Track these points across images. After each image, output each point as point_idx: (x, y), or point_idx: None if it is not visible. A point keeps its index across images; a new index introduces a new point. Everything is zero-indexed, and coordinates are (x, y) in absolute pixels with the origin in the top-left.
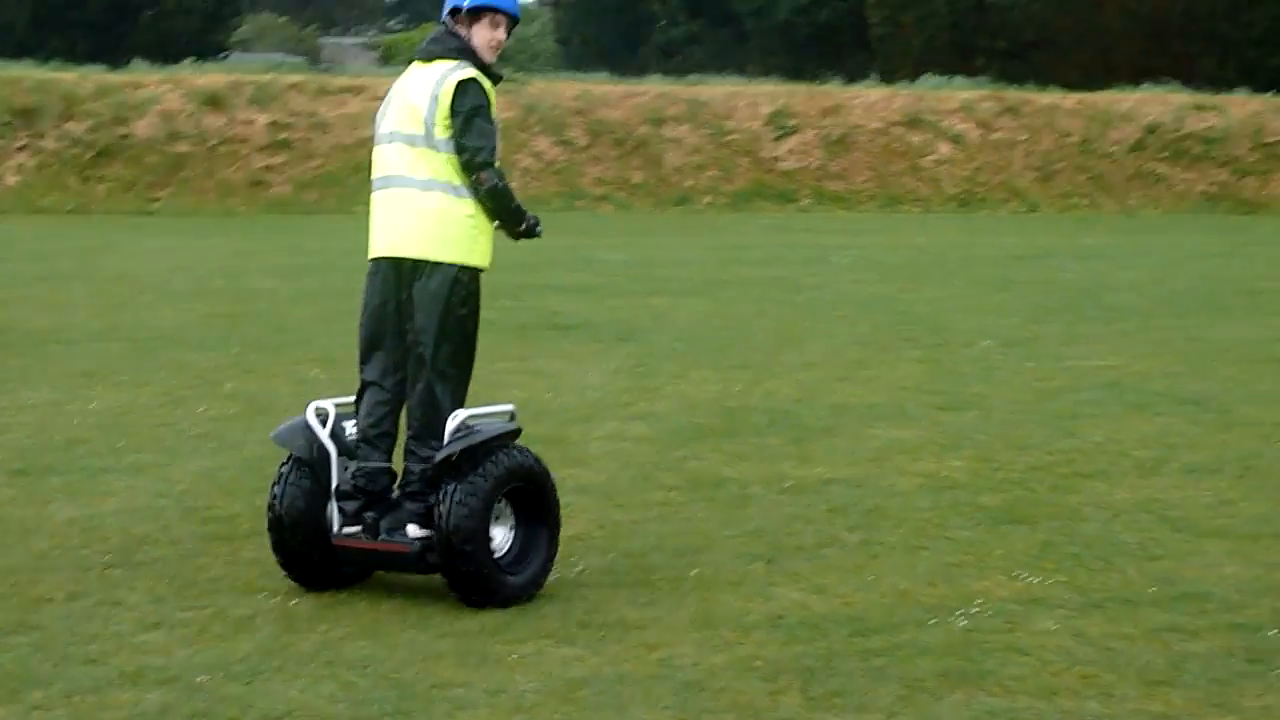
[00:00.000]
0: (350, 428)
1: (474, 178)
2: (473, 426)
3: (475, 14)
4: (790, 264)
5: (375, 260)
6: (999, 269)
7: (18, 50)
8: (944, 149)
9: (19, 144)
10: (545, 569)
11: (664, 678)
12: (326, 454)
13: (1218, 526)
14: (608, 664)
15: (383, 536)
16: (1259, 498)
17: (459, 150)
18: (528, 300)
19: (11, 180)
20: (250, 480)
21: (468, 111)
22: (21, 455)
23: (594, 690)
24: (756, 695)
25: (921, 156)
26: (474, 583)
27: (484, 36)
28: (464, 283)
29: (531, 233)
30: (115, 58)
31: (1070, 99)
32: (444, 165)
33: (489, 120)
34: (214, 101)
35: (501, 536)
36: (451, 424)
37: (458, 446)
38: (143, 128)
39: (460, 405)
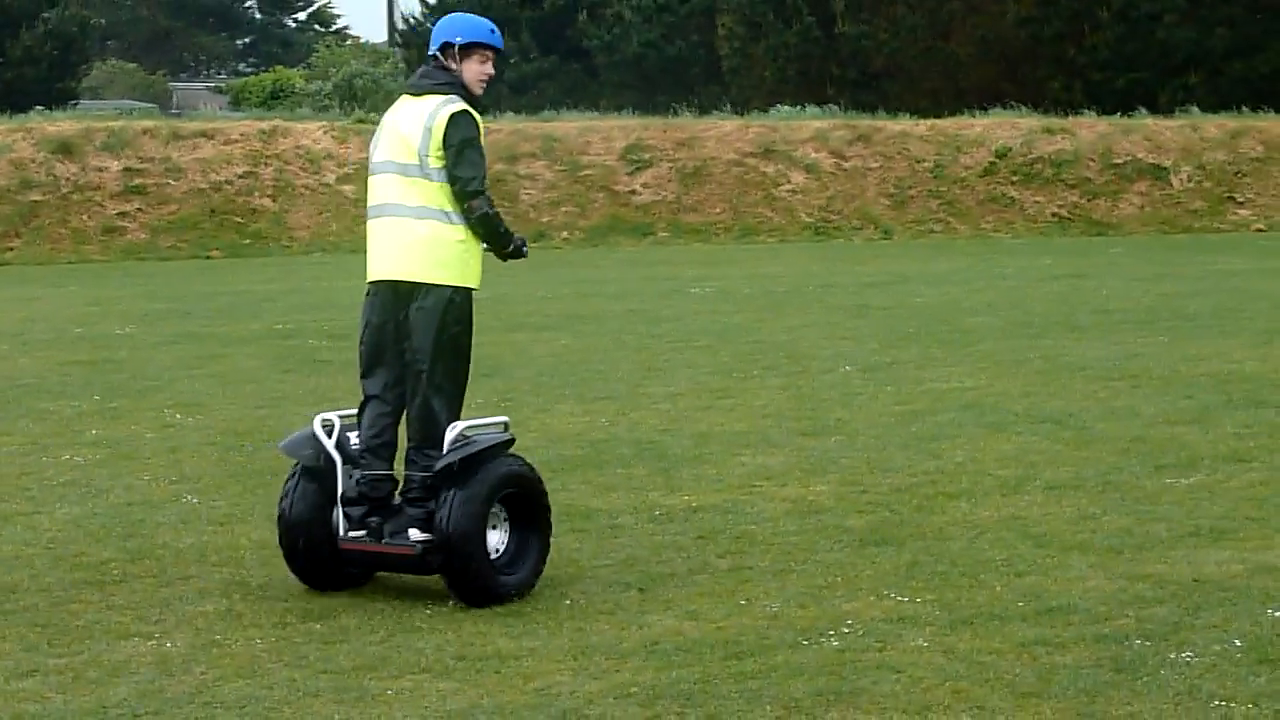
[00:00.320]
0: (353, 438)
1: (466, 205)
2: (470, 437)
3: (467, 50)
4: (648, 297)
5: (374, 283)
6: (855, 296)
7: None
8: (798, 178)
9: None
10: (538, 569)
11: (542, 707)
12: (333, 463)
13: (1080, 541)
14: (486, 695)
15: (387, 540)
16: (1119, 512)
17: (452, 180)
18: None
19: None
20: (119, 526)
21: (459, 144)
22: None
23: None
24: None
25: (776, 186)
26: (472, 583)
27: (474, 71)
28: (457, 303)
29: (519, 253)
30: None
31: (921, 125)
32: (437, 193)
33: (479, 151)
34: (66, 149)
35: (497, 539)
36: (450, 435)
37: (457, 456)
38: None
39: (456, 417)
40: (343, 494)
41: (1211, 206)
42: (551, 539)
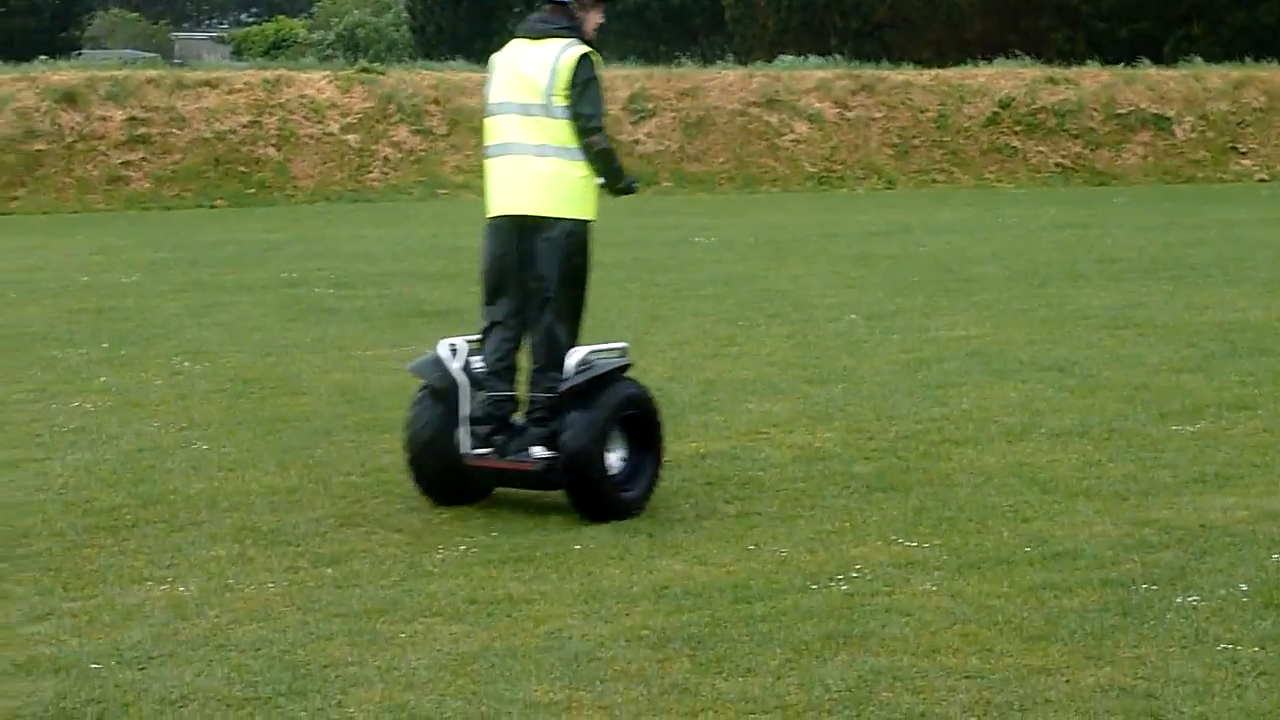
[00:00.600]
0: (475, 361)
1: (587, 140)
2: (592, 362)
3: (597, 2)
4: (654, 246)
5: (497, 217)
6: (859, 245)
7: None
8: (801, 128)
9: None
10: (651, 487)
11: (553, 650)
12: (457, 384)
13: (1086, 487)
14: (497, 638)
15: (510, 457)
16: (1124, 459)
17: (575, 117)
18: (395, 288)
19: None
20: (129, 472)
21: (583, 82)
22: None
23: (485, 664)
24: (646, 663)
25: (779, 136)
26: (592, 498)
27: (594, 21)
28: (578, 235)
29: (629, 189)
30: None
31: (924, 75)
32: (559, 130)
33: (600, 91)
34: (69, 99)
35: (616, 458)
36: (573, 359)
37: (581, 379)
38: None
39: (576, 342)
40: (470, 414)
41: (1214, 156)
42: (662, 460)
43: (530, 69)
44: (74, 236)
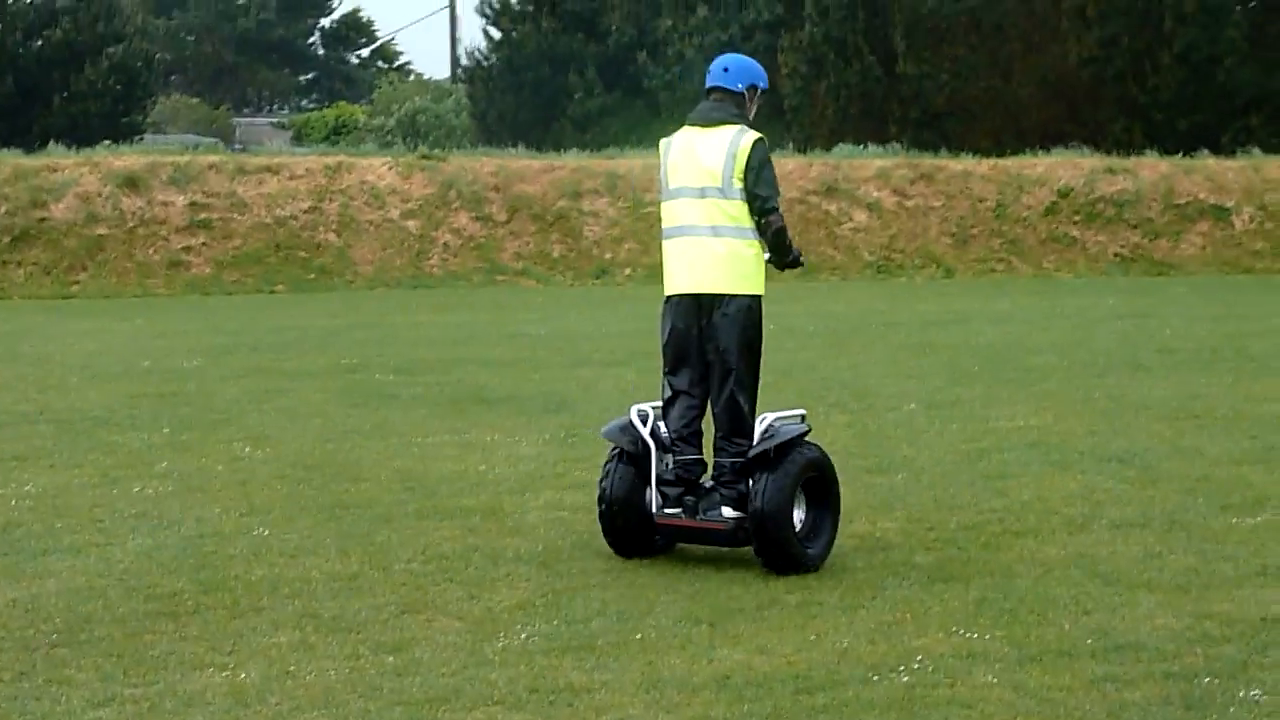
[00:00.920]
0: (662, 427)
1: (764, 220)
2: (777, 428)
3: (756, 91)
4: None
5: (677, 296)
6: (918, 333)
7: None
8: (860, 216)
9: None
10: (830, 543)
11: None
12: (648, 448)
13: (1147, 579)
14: None
15: (701, 516)
16: (1186, 550)
17: (752, 199)
18: (455, 374)
19: None
20: (190, 557)
21: (759, 165)
22: None
23: None
24: None
25: (838, 225)
26: (782, 554)
27: (754, 108)
28: (754, 309)
29: (797, 263)
30: (28, 142)
31: (983, 165)
32: (736, 211)
33: (773, 172)
34: (132, 183)
35: (799, 516)
36: (761, 425)
37: (771, 444)
38: (60, 210)
39: (755, 407)
40: (659, 475)
41: (1274, 247)
42: (839, 518)
43: (707, 155)
44: (135, 320)
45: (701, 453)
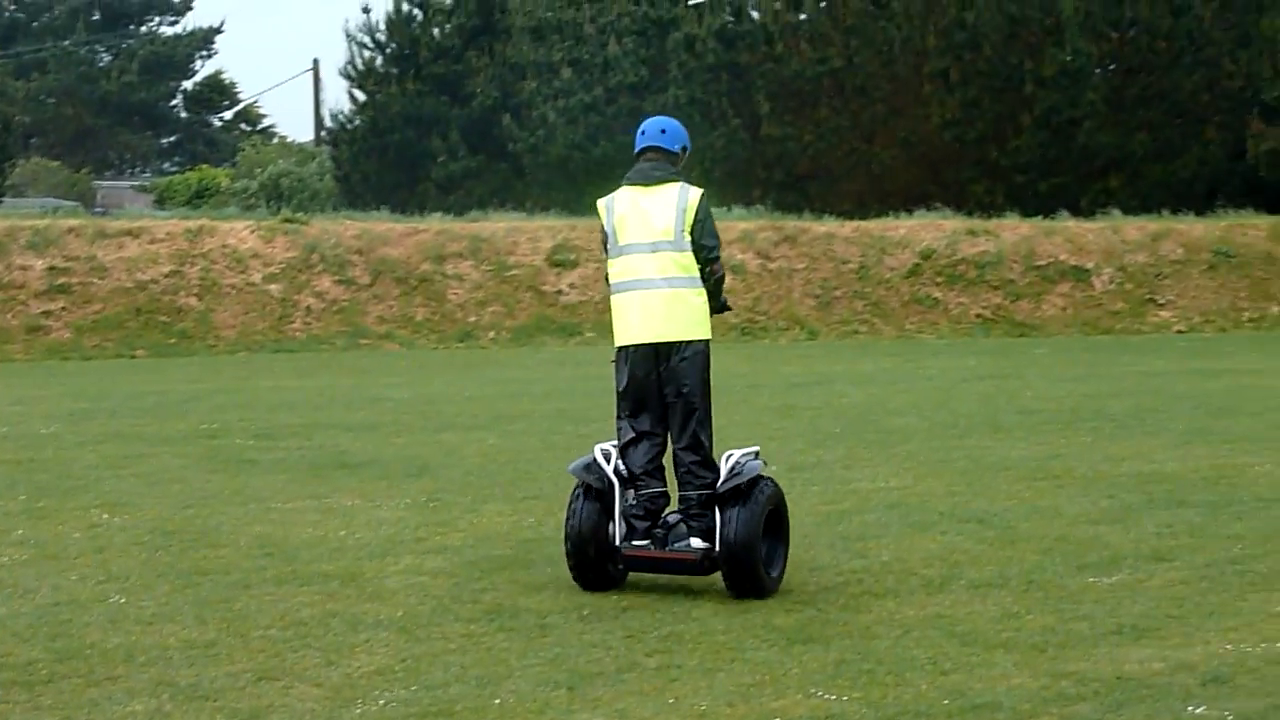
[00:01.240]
0: (622, 466)
1: (711, 268)
2: (743, 464)
3: (685, 152)
4: (576, 396)
5: (634, 346)
6: (781, 396)
7: None
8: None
9: None
10: (783, 569)
11: None
12: (612, 484)
13: (1005, 639)
14: None
15: (670, 548)
16: (1043, 610)
17: (699, 248)
18: (317, 439)
19: None
20: (45, 626)
21: (704, 218)
22: None
23: None
24: None
25: None
26: (752, 581)
27: (681, 166)
28: (707, 353)
29: (725, 308)
30: None
31: (846, 227)
32: (687, 262)
33: (714, 223)
34: None
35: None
36: (728, 462)
37: (741, 480)
38: None
39: (713, 443)
40: (625, 510)
41: (1132, 308)
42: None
43: (656, 212)
44: None
45: (666, 486)
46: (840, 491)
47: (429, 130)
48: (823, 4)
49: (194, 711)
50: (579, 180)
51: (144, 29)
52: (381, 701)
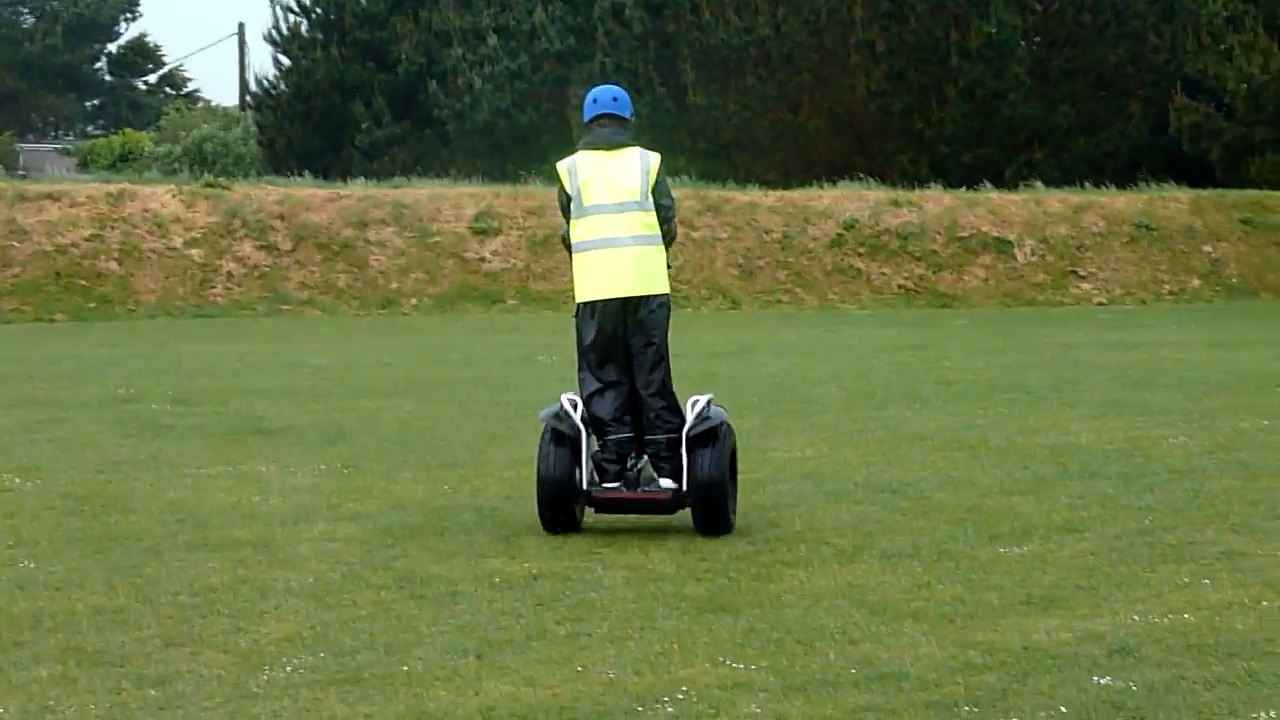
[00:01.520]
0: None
1: (670, 225)
2: (709, 410)
3: (632, 118)
4: (495, 364)
5: (600, 301)
6: (701, 365)
7: None
8: None
9: None
10: (735, 509)
11: None
12: (579, 430)
13: (914, 609)
14: None
15: (642, 489)
16: (953, 580)
17: (659, 208)
18: (233, 405)
19: None
20: None
21: (663, 180)
22: None
23: None
24: None
25: None
26: (719, 517)
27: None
28: (669, 305)
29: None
30: None
31: (770, 196)
32: (651, 221)
33: (669, 185)
34: None
35: None
36: (694, 408)
37: (710, 424)
38: None
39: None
40: (596, 454)
41: (1054, 280)
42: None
43: (621, 175)
44: None
45: (634, 432)
46: (756, 461)
47: (354, 96)
48: None
49: (100, 677)
50: (504, 147)
51: None
52: (289, 668)
